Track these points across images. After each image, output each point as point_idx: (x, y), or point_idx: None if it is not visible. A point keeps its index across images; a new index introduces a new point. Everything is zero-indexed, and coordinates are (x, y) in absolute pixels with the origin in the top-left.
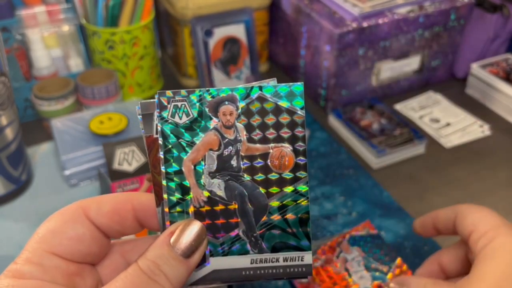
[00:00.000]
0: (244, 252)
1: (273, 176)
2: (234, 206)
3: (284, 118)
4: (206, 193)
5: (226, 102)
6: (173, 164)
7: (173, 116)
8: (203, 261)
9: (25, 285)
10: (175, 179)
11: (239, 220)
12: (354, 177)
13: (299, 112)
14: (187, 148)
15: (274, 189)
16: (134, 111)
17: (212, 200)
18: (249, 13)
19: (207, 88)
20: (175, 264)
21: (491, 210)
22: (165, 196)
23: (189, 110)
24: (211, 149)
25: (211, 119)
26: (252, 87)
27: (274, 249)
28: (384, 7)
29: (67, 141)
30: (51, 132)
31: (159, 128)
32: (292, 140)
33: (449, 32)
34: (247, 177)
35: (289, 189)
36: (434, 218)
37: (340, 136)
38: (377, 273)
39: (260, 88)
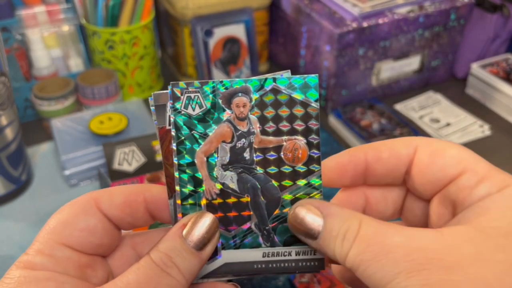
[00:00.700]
0: (256, 245)
1: (286, 169)
2: (246, 199)
3: (298, 111)
4: (219, 186)
5: (240, 94)
6: (186, 156)
7: (186, 107)
8: (214, 254)
9: (36, 276)
10: (187, 171)
11: (251, 213)
12: None
13: (313, 104)
14: (200, 140)
15: (287, 182)
16: (134, 111)
17: (224, 192)
18: (249, 13)
19: (220, 80)
20: (187, 257)
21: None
22: (177, 188)
23: (202, 101)
24: (224, 141)
25: (224, 110)
26: (266, 79)
27: (287, 243)
28: (384, 7)
29: (67, 141)
30: (51, 132)
31: (172, 120)
32: (306, 132)
33: (449, 32)
34: (260, 170)
35: (302, 182)
36: (362, 160)
37: (340, 136)
38: None
39: (274, 79)
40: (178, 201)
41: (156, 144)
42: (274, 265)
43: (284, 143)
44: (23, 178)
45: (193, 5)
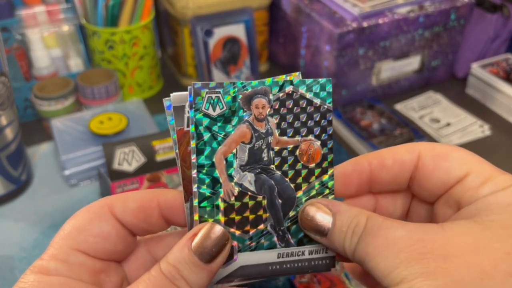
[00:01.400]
0: (271, 246)
1: (301, 169)
2: (263, 199)
3: (314, 112)
4: (237, 187)
5: (259, 95)
6: (205, 156)
7: (206, 108)
8: (230, 257)
9: (50, 282)
10: (206, 171)
11: (267, 214)
12: None
13: (327, 107)
14: (219, 140)
15: (301, 182)
16: (134, 111)
17: (242, 193)
18: (249, 13)
19: (241, 81)
20: (195, 270)
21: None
22: (194, 188)
23: (222, 102)
24: (242, 142)
25: (243, 111)
26: (284, 81)
27: (300, 243)
28: (384, 7)
29: (67, 141)
30: (51, 132)
31: (193, 119)
32: (320, 134)
33: (449, 32)
34: (276, 171)
35: (316, 182)
36: (366, 169)
37: (340, 136)
38: None
39: (291, 82)
40: (195, 203)
41: (156, 144)
42: (288, 265)
43: (300, 144)
44: (23, 178)
45: (193, 5)
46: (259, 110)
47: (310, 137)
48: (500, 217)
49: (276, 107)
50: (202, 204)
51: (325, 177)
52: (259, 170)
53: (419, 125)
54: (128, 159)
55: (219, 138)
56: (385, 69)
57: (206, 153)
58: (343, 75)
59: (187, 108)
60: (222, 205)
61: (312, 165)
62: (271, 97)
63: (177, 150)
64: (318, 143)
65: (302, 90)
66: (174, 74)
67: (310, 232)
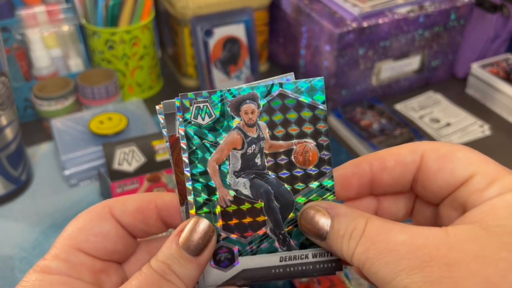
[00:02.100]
0: (272, 250)
1: (298, 172)
2: (260, 204)
3: (306, 114)
4: (232, 193)
5: (248, 101)
6: (198, 165)
7: (195, 117)
8: (232, 261)
9: (51, 280)
10: (200, 180)
11: (266, 218)
12: None
13: (320, 106)
14: (211, 149)
15: (299, 185)
16: (134, 111)
17: (238, 199)
18: (249, 13)
19: (228, 88)
20: (184, 263)
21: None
22: (191, 198)
23: (211, 110)
24: (234, 148)
25: (233, 118)
26: (272, 85)
27: (303, 246)
28: (384, 7)
29: (67, 141)
30: (51, 132)
31: (182, 132)
32: (315, 135)
33: (449, 32)
34: (272, 175)
35: (314, 184)
36: (367, 171)
37: (340, 136)
38: None
39: (281, 84)
40: (192, 211)
41: (156, 144)
42: (292, 268)
43: (294, 147)
44: (23, 178)
45: (193, 5)
46: (248, 115)
47: (305, 139)
48: (507, 222)
49: (266, 111)
50: (200, 212)
51: (325, 179)
52: (254, 175)
53: (419, 125)
54: (128, 159)
55: (211, 147)
56: (385, 69)
57: (198, 162)
58: (343, 75)
59: (177, 118)
60: (219, 211)
61: (309, 168)
62: (260, 101)
63: (170, 156)
64: (314, 144)
65: (291, 91)
66: (174, 74)
67: (310, 235)
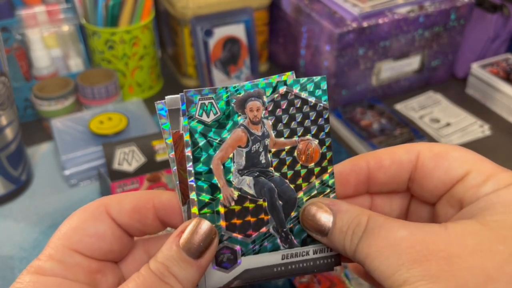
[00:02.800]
0: (275, 248)
1: (300, 169)
2: (263, 202)
3: (310, 111)
4: (236, 192)
5: (253, 98)
6: (202, 163)
7: (200, 114)
8: (234, 261)
9: (45, 282)
10: (204, 178)
11: (269, 216)
12: None
13: (323, 105)
14: (215, 146)
15: (301, 183)
16: (134, 111)
17: (242, 198)
18: (249, 13)
19: (233, 85)
20: (184, 266)
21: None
22: (193, 196)
23: (216, 108)
24: (239, 146)
25: (238, 116)
26: (277, 82)
27: (304, 243)
28: (384, 7)
29: (67, 141)
30: (51, 132)
31: (186, 127)
32: (318, 132)
33: (449, 32)
34: (275, 172)
35: (316, 181)
36: (364, 169)
37: (340, 136)
38: None
39: (285, 82)
40: (194, 210)
41: (156, 144)
42: (293, 266)
43: (298, 144)
44: (23, 178)
45: (193, 5)
46: (253, 113)
47: (308, 136)
48: (504, 217)
49: (271, 108)
50: (202, 211)
51: (326, 176)
52: (258, 173)
53: (419, 125)
54: (128, 159)
55: (215, 144)
56: (385, 69)
57: (202, 160)
58: (343, 75)
59: (181, 114)
60: (222, 211)
61: (311, 165)
62: (265, 99)
63: (170, 154)
64: (316, 142)
65: (296, 89)
66: (174, 74)
67: (312, 231)
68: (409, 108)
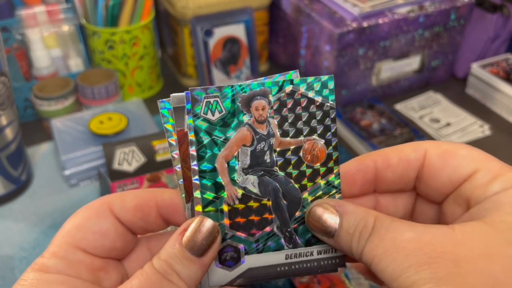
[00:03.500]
0: (279, 248)
1: (306, 169)
2: (267, 202)
3: (316, 111)
4: (240, 190)
5: (259, 97)
6: (207, 161)
7: (205, 112)
8: (237, 260)
9: (49, 279)
10: (208, 176)
11: (273, 216)
12: None
13: (330, 104)
14: (220, 145)
15: (307, 183)
16: (134, 111)
17: (246, 197)
18: (249, 13)
19: (239, 83)
20: (187, 264)
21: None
22: (197, 194)
23: (221, 106)
24: (244, 145)
25: (243, 114)
26: (284, 81)
27: (309, 243)
28: (384, 7)
29: (67, 141)
30: (51, 132)
31: (191, 125)
32: (324, 132)
33: (449, 32)
34: (280, 172)
35: (321, 182)
36: (371, 168)
37: (340, 136)
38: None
39: (291, 81)
40: (198, 208)
41: (156, 144)
42: (297, 266)
43: (303, 144)
44: (23, 178)
45: (193, 5)
46: (259, 112)
47: (314, 136)
48: (511, 218)
49: (277, 107)
50: (206, 209)
51: (331, 177)
52: (262, 172)
53: (419, 125)
54: (128, 159)
55: (220, 143)
56: (385, 69)
57: (207, 158)
58: (343, 75)
59: (186, 112)
60: (226, 209)
61: (317, 165)
62: (271, 98)
63: (173, 152)
64: (322, 142)
65: (302, 88)
66: (174, 74)
67: (317, 233)
68: (409, 108)
